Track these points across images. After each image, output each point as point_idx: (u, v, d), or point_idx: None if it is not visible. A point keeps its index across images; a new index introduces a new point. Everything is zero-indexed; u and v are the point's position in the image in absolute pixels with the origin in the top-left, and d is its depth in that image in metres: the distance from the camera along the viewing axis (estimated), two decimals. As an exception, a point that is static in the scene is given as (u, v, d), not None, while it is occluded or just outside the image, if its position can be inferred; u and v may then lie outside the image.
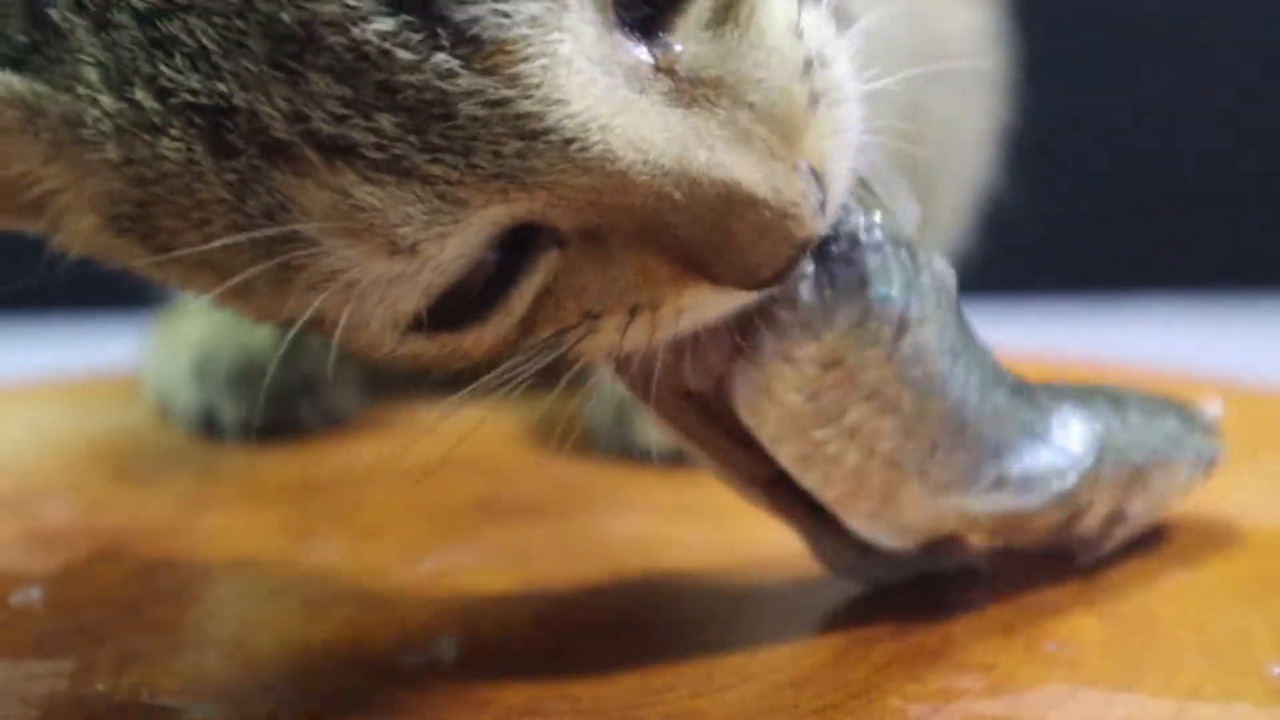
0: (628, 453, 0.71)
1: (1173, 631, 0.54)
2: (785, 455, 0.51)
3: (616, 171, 0.42)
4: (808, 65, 0.45)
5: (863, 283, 0.49)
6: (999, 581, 0.59)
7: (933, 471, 0.52)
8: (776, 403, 0.49)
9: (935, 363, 0.51)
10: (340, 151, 0.41)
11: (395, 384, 0.80)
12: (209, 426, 0.80)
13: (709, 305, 0.46)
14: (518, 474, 0.73)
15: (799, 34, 0.45)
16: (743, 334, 0.49)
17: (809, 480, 0.52)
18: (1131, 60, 1.40)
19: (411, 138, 0.41)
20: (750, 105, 0.43)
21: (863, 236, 0.49)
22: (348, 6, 0.40)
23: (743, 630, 0.55)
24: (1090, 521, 0.56)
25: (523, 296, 0.46)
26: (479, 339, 0.47)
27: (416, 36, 0.40)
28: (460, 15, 0.40)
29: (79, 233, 0.47)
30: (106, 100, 0.42)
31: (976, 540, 0.57)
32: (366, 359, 0.48)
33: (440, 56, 0.40)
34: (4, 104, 0.44)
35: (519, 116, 0.41)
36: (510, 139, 0.41)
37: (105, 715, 0.51)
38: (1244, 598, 0.57)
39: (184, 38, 0.41)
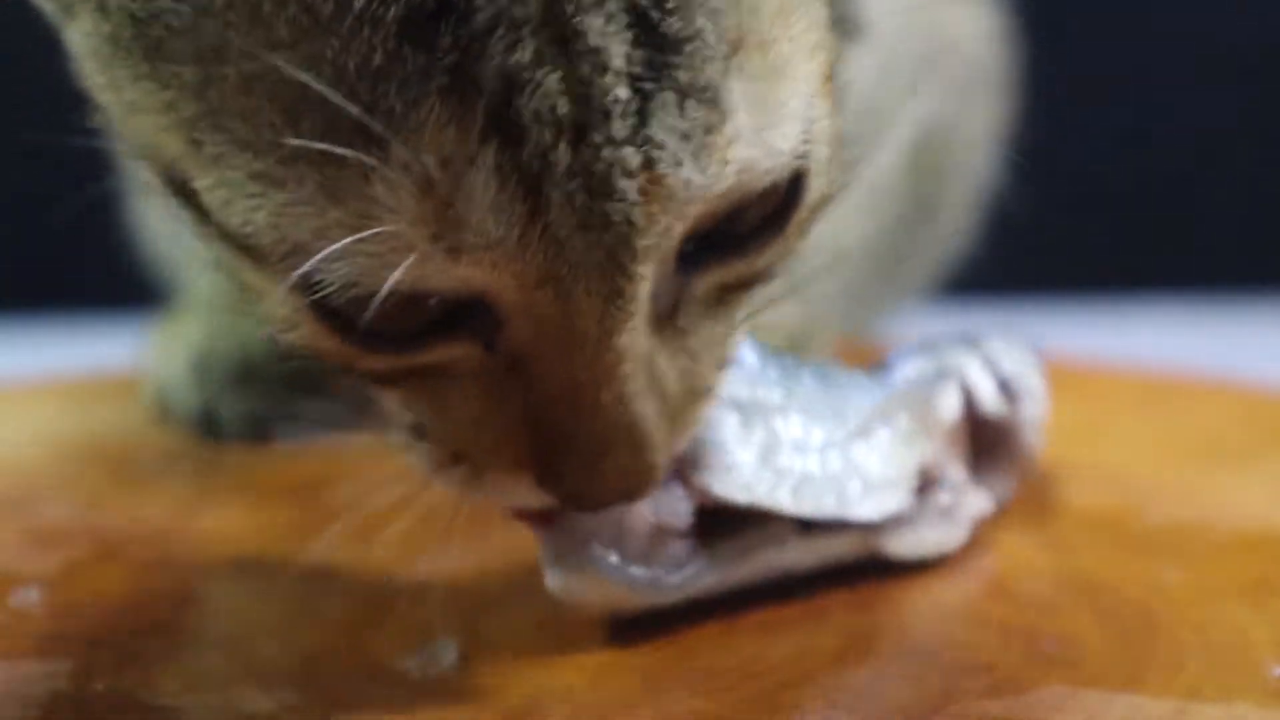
0: None
1: (1173, 631, 0.54)
2: (784, 499, 0.55)
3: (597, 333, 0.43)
4: (721, 365, 0.49)
5: None
6: (998, 582, 0.59)
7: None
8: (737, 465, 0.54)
9: None
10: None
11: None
12: (209, 426, 0.80)
13: (518, 497, 0.48)
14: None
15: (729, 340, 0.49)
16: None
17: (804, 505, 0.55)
18: (1134, 60, 1.40)
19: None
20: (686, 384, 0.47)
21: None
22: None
23: (743, 631, 0.55)
24: None
25: (422, 358, 0.46)
26: (369, 364, 0.47)
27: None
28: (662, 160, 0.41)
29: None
30: None
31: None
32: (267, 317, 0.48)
33: (624, 159, 0.41)
34: None
35: (612, 235, 0.42)
36: (593, 237, 0.42)
37: (105, 715, 0.51)
38: (1244, 598, 0.57)
39: None
